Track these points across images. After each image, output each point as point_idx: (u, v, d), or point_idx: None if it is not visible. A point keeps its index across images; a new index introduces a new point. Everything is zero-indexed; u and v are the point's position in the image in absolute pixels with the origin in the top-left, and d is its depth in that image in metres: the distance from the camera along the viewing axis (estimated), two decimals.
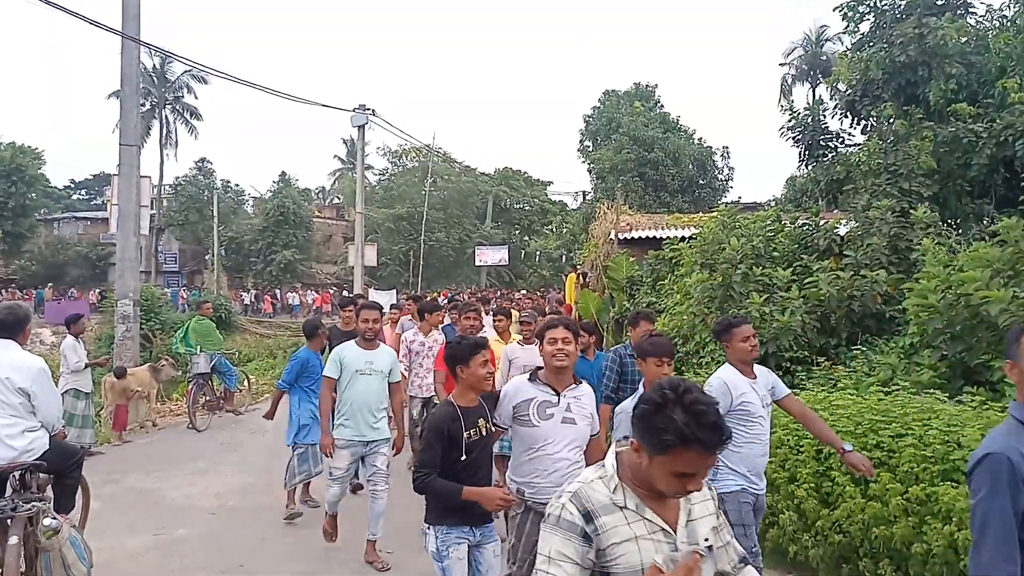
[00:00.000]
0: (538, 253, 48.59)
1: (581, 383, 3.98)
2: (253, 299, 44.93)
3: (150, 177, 19.16)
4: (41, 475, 4.73)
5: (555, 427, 3.78)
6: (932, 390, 5.79)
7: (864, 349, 7.56)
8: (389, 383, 5.73)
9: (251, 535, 6.34)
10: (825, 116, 14.98)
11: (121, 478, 8.14)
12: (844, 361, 7.62)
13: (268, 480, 7.90)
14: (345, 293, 27.52)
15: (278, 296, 45.26)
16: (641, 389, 4.19)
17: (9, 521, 4.37)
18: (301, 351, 7.05)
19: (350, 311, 7.97)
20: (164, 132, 48.71)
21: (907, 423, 5.01)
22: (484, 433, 3.70)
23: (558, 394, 3.83)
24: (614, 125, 30.88)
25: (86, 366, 9.31)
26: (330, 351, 7.42)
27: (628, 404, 4.20)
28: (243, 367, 16.19)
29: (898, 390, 5.82)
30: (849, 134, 14.54)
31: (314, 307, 41.78)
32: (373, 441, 5.57)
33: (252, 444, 10.15)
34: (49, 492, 4.85)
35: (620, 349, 5.77)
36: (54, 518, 4.51)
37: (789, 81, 39.95)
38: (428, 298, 11.17)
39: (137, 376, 10.91)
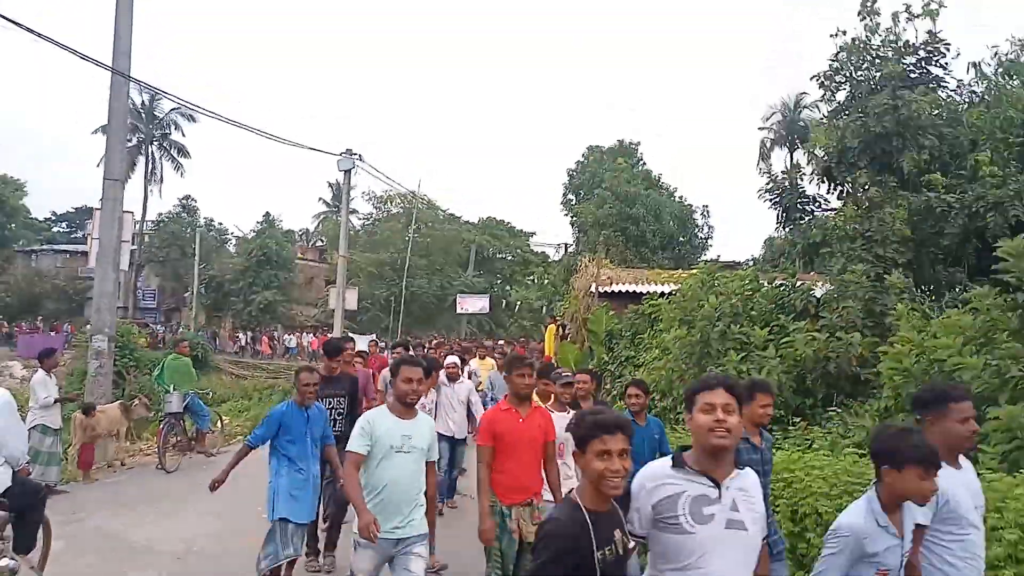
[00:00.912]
0: (519, 303, 48.70)
1: (744, 468, 2.80)
2: (250, 340, 44.37)
3: (132, 213, 19.08)
4: (1, 513, 4.58)
5: (718, 534, 2.62)
6: None
7: (839, 411, 7.59)
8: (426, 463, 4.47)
9: None
10: (802, 180, 15.32)
11: (85, 518, 7.91)
12: (820, 422, 7.64)
13: (237, 525, 7.69)
14: (329, 335, 26.99)
15: (276, 337, 44.81)
16: (866, 506, 2.94)
17: None
18: (283, 404, 5.87)
19: (338, 361, 6.89)
20: (149, 168, 48.66)
21: None
22: (621, 551, 2.59)
23: (718, 485, 2.66)
24: (597, 180, 31.37)
25: (56, 401, 9.12)
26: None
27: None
28: (217, 408, 15.91)
29: None
30: (825, 199, 14.88)
31: (310, 350, 41.29)
32: (407, 539, 4.27)
33: (223, 487, 9.88)
34: (8, 531, 4.70)
35: None
36: (12, 559, 4.38)
37: (768, 145, 40.86)
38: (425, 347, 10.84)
39: (107, 413, 10.67)
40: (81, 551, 6.70)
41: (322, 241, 62.03)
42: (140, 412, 11.44)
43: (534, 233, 56.32)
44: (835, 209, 14.14)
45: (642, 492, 2.71)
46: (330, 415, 6.28)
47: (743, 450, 4.26)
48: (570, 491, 2.73)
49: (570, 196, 34.40)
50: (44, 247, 56.44)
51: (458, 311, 46.26)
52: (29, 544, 4.93)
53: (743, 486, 2.72)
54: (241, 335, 45.15)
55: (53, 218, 67.93)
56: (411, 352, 9.32)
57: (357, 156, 23.69)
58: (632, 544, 2.68)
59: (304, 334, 45.42)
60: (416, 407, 4.43)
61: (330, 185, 58.79)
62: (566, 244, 35.51)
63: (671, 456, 2.77)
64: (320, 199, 62.63)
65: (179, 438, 11.47)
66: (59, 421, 9.22)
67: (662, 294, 12.48)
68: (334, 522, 6.59)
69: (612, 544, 2.56)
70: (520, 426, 4.78)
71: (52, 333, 39.83)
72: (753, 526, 2.68)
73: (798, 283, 10.21)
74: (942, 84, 14.26)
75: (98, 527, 7.66)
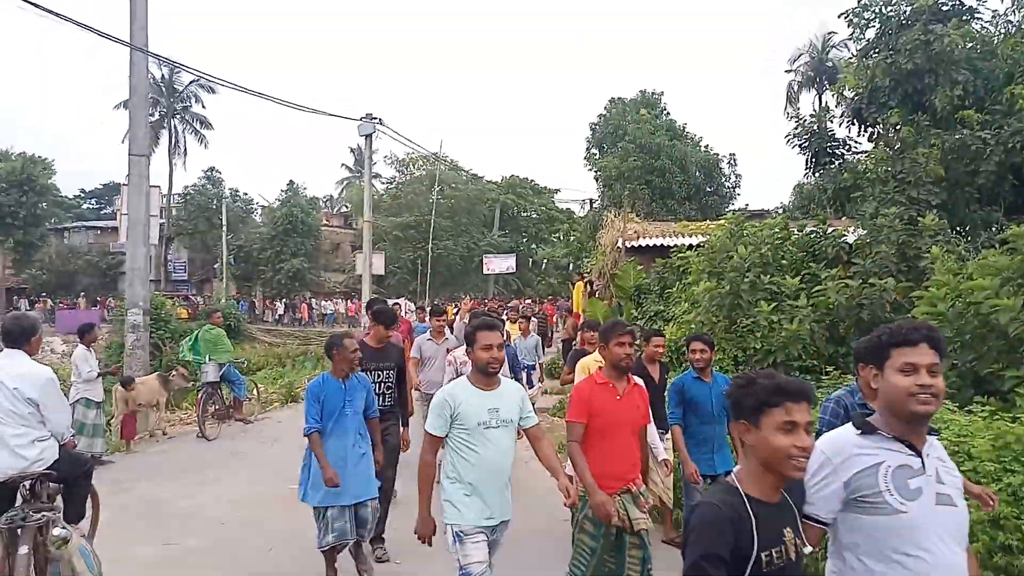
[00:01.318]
0: (545, 261, 48.63)
1: (934, 431, 2.36)
2: (288, 308, 44.99)
3: (159, 187, 19.29)
4: (51, 485, 4.75)
5: (929, 512, 2.17)
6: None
7: None
8: (525, 430, 4.00)
9: (261, 544, 6.34)
10: (832, 123, 14.99)
11: (131, 487, 8.16)
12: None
13: (278, 489, 7.90)
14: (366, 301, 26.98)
15: (314, 304, 45.40)
16: None
17: (19, 531, 4.39)
18: (317, 379, 5.40)
19: (393, 331, 6.30)
20: (173, 141, 49.04)
21: None
22: (792, 556, 2.07)
23: (919, 453, 2.22)
24: (620, 133, 30.89)
25: (98, 375, 9.37)
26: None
27: None
28: (252, 376, 16.23)
29: None
30: (856, 142, 14.57)
31: (348, 315, 41.59)
32: (500, 525, 3.87)
33: (262, 453, 10.16)
34: (59, 502, 4.87)
35: (846, 398, 3.73)
36: (64, 527, 4.53)
37: (795, 88, 39.88)
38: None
39: (147, 384, 10.93)
40: (129, 519, 6.92)
41: (346, 207, 62.25)
42: (179, 383, 11.70)
43: (558, 190, 55.94)
44: (866, 151, 13.86)
45: (827, 467, 2.23)
46: (378, 389, 5.87)
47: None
48: (726, 474, 2.24)
49: (593, 150, 33.95)
50: (75, 224, 57.37)
51: (485, 271, 46.33)
52: (79, 513, 5.11)
53: (940, 456, 2.28)
54: (279, 303, 45.75)
55: (82, 195, 68.94)
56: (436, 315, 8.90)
57: (377, 120, 23.59)
58: (808, 548, 2.14)
59: (340, 301, 45.93)
60: (499, 374, 3.97)
61: (352, 151, 58.94)
62: (591, 199, 35.22)
63: (854, 421, 2.30)
64: (343, 165, 62.88)
65: (217, 406, 11.74)
66: (101, 394, 9.47)
67: (690, 246, 12.36)
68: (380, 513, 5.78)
69: (781, 546, 2.04)
70: (618, 405, 4.19)
71: (95, 308, 40.81)
72: (960, 501, 2.24)
73: (829, 229, 10.03)
74: (976, 15, 13.77)
75: (144, 495, 7.91)
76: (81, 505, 5.17)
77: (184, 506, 7.51)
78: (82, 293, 45.94)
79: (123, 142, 33.44)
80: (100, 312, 37.48)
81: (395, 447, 6.12)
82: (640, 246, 15.28)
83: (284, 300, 46.26)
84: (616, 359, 4.24)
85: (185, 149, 49.73)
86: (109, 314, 32.37)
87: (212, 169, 51.19)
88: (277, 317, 44.25)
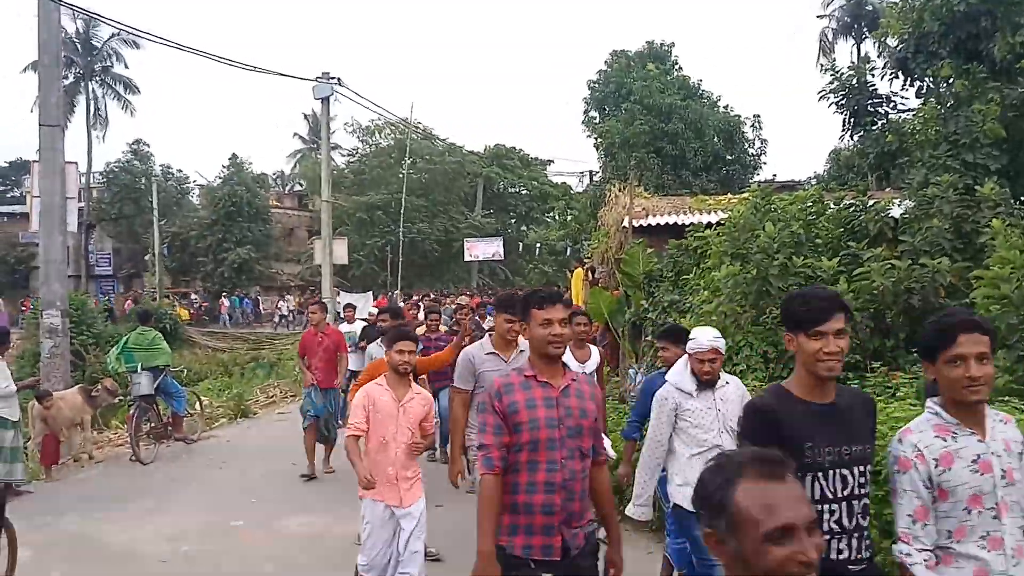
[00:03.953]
0: (538, 245, 48.69)
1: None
2: (294, 307, 44.61)
3: (76, 163, 19.13)
4: None
5: None
6: (1008, 397, 5.82)
7: None
8: None
9: None
10: (873, 77, 15.03)
11: (54, 521, 8.13)
12: (903, 366, 7.63)
13: (226, 520, 7.90)
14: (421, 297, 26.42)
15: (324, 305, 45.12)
16: None
17: None
18: None
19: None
20: (92, 109, 48.63)
21: None
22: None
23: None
24: (624, 92, 30.90)
25: (16, 390, 9.26)
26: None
27: None
28: (193, 387, 16.18)
29: None
30: (902, 98, 14.60)
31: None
32: None
33: (207, 477, 10.14)
34: None
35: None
36: None
37: (830, 36, 40.07)
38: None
39: (67, 400, 10.83)
40: (53, 558, 6.90)
41: (301, 185, 62.07)
42: (105, 397, 11.52)
43: (552, 161, 55.95)
44: (913, 109, 13.92)
45: None
46: None
47: None
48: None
49: (592, 113, 33.94)
50: None
51: (467, 258, 46.30)
52: None
53: None
54: (282, 303, 45.27)
55: None
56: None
57: (336, 80, 23.49)
58: None
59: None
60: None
61: (306, 117, 58.71)
62: (591, 172, 35.33)
63: None
64: (295, 135, 62.67)
65: (153, 424, 11.65)
66: (18, 412, 9.34)
67: (709, 225, 12.41)
68: None
69: None
70: None
71: None
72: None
73: (871, 202, 10.11)
74: None
75: (70, 530, 7.89)
76: None
77: (118, 542, 7.50)
78: (30, 295, 44.85)
79: (32, 111, 33.15)
80: (6, 315, 37.17)
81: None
82: (650, 225, 15.33)
83: (288, 297, 45.96)
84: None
85: (106, 118, 49.38)
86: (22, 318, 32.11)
87: (139, 141, 50.73)
88: (281, 318, 43.95)
